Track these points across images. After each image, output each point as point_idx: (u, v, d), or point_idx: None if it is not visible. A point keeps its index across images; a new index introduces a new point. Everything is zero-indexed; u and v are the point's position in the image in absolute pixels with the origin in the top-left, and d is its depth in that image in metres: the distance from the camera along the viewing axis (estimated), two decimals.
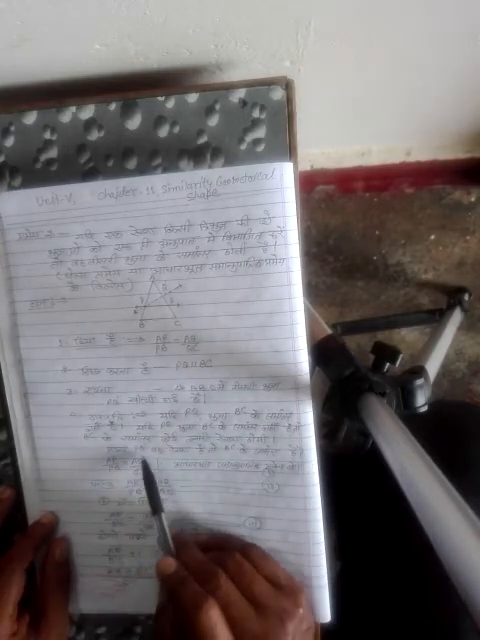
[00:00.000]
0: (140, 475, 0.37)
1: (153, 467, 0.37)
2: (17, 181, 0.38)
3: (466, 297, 0.89)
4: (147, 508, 0.36)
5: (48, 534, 0.39)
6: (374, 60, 0.50)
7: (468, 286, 0.92)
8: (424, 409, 0.35)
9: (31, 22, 0.33)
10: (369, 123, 0.74)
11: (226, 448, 0.36)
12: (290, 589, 0.33)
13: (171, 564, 0.33)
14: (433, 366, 0.58)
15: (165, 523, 0.35)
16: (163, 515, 0.35)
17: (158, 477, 0.37)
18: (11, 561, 0.36)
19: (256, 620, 0.30)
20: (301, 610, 0.32)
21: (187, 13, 0.34)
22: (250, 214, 0.34)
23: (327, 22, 0.39)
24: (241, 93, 0.36)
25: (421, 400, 0.34)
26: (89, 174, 0.38)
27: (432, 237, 0.93)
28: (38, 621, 0.36)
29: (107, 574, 0.39)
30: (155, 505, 0.35)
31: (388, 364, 0.36)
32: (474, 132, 0.81)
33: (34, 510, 0.39)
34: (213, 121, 0.36)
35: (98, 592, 0.39)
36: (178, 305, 0.35)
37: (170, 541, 0.34)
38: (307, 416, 0.35)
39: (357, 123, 0.73)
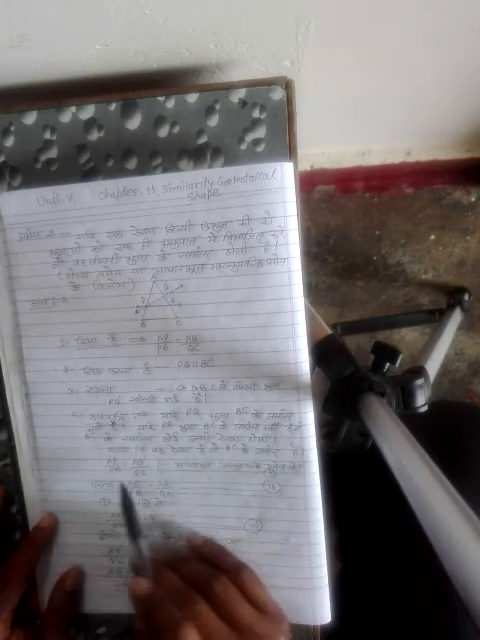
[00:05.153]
0: (140, 476, 0.36)
1: (154, 468, 0.37)
2: (17, 181, 0.38)
3: (466, 297, 0.89)
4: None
5: (48, 538, 0.39)
6: (374, 60, 0.50)
7: (468, 286, 0.92)
8: (424, 409, 0.35)
9: (31, 22, 0.33)
10: (369, 123, 0.74)
11: (227, 448, 0.36)
12: (275, 616, 0.32)
13: (142, 584, 0.32)
14: (433, 366, 0.58)
15: (144, 548, 0.34)
16: (141, 540, 0.34)
17: (159, 479, 0.37)
18: (11, 569, 0.36)
19: None
20: (282, 638, 0.31)
21: (187, 13, 0.34)
22: (251, 214, 0.34)
23: (327, 22, 0.39)
24: (241, 93, 0.36)
25: (421, 400, 0.34)
26: (89, 174, 0.38)
27: (432, 237, 0.93)
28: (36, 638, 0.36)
29: (108, 574, 0.39)
30: (134, 530, 0.34)
31: (388, 364, 0.36)
32: (474, 132, 0.81)
33: (34, 510, 0.39)
34: (213, 121, 0.36)
35: (98, 592, 0.39)
36: (179, 305, 0.35)
37: (148, 566, 0.33)
38: (308, 416, 0.35)
39: (357, 123, 0.73)
